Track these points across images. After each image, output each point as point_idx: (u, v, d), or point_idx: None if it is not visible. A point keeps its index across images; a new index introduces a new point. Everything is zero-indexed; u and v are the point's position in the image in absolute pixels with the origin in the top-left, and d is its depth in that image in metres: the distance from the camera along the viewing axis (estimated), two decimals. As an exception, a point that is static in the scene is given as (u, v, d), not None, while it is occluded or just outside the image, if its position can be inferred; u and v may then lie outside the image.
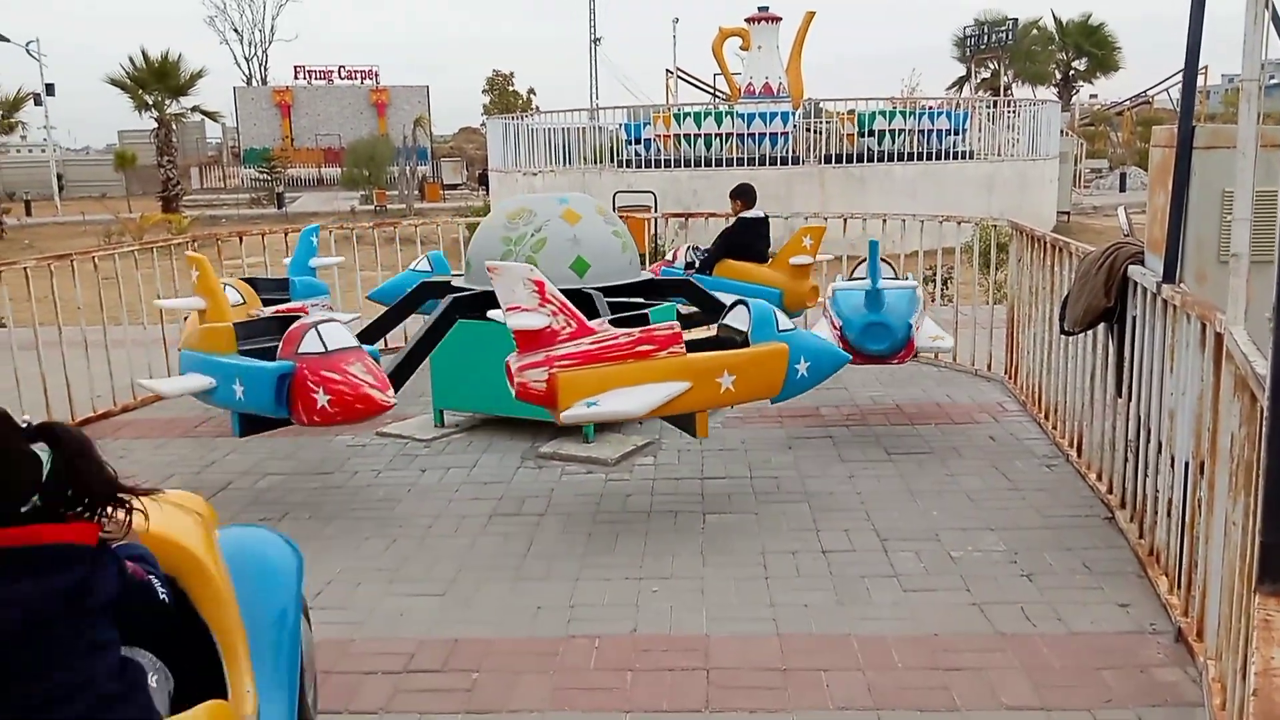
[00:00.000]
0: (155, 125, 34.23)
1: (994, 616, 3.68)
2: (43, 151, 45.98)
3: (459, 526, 4.75)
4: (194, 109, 35.46)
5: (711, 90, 29.92)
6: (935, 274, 8.97)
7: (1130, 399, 4.29)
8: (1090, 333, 4.86)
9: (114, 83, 33.10)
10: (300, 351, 4.79)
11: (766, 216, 8.00)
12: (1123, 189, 31.49)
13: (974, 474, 5.23)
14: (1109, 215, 23.58)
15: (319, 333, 4.84)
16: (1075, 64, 45.46)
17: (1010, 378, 6.95)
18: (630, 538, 4.54)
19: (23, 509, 1.82)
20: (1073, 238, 5.88)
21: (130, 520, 1.94)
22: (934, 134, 19.31)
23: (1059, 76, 45.80)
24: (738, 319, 5.02)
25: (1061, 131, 24.62)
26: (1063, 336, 5.27)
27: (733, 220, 8.07)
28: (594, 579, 4.11)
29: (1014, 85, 42.96)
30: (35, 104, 38.19)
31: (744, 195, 8.03)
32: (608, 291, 6.26)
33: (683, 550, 4.37)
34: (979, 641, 3.51)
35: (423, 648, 3.57)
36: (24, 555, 1.76)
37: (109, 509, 1.91)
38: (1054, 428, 5.75)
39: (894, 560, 4.19)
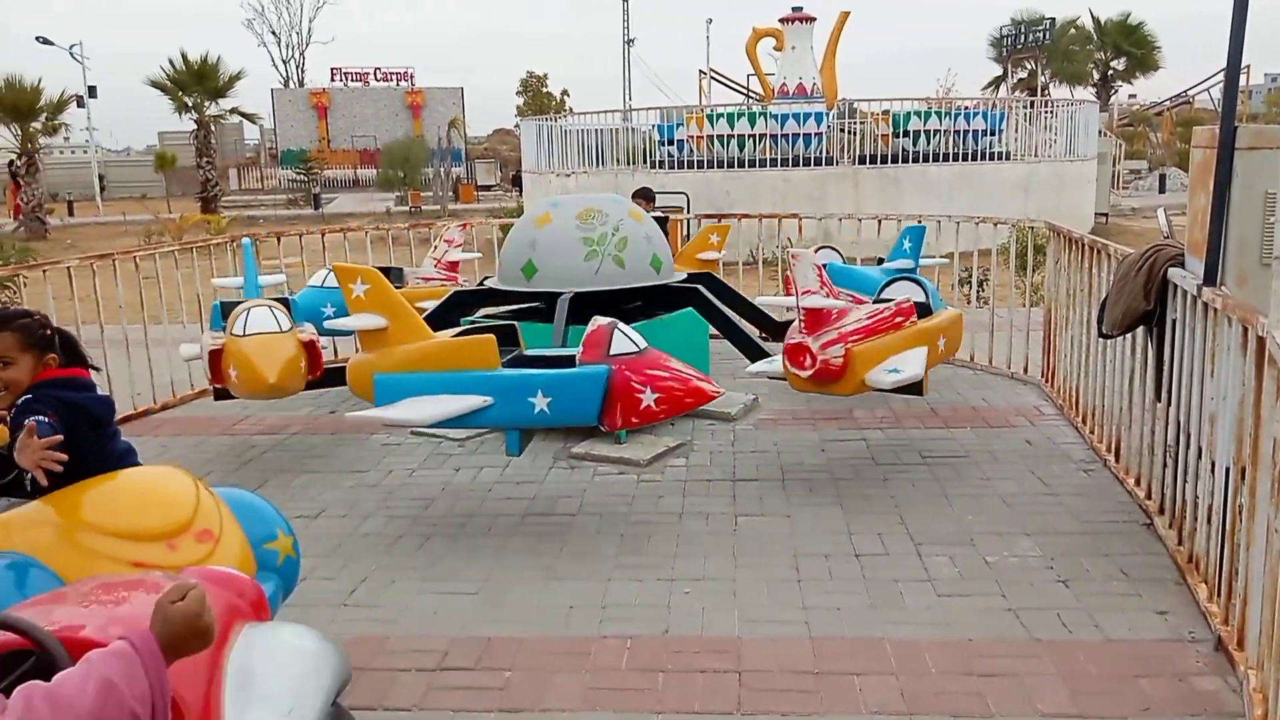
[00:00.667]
0: (195, 127, 34.64)
1: (1029, 622, 3.64)
2: (85, 153, 46.72)
3: (492, 526, 4.78)
4: (232, 111, 35.86)
5: (745, 91, 29.86)
6: (971, 276, 8.89)
7: (1170, 403, 4.23)
8: (1129, 336, 4.80)
9: (155, 85, 33.56)
10: (614, 353, 4.64)
11: (666, 217, 8.59)
12: (1162, 190, 31.04)
13: (1010, 478, 5.18)
14: (1148, 217, 23.25)
15: (624, 332, 4.72)
16: (1114, 64, 44.89)
17: (1047, 381, 6.88)
18: (662, 538, 4.54)
19: None
20: (1111, 239, 5.81)
21: None
22: (970, 134, 19.12)
23: (1097, 76, 45.25)
24: (904, 292, 5.77)
25: (1099, 132, 24.30)
26: (1101, 339, 5.21)
27: None
28: (626, 579, 4.12)
29: (1051, 85, 42.49)
30: (78, 106, 38.80)
31: (648, 196, 8.60)
32: (629, 294, 6.29)
33: (715, 551, 4.37)
34: (1014, 647, 3.48)
35: (455, 646, 3.60)
36: None
37: None
38: (1091, 432, 5.68)
39: (928, 564, 4.16)
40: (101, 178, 42.81)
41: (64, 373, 2.91)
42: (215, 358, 5.65)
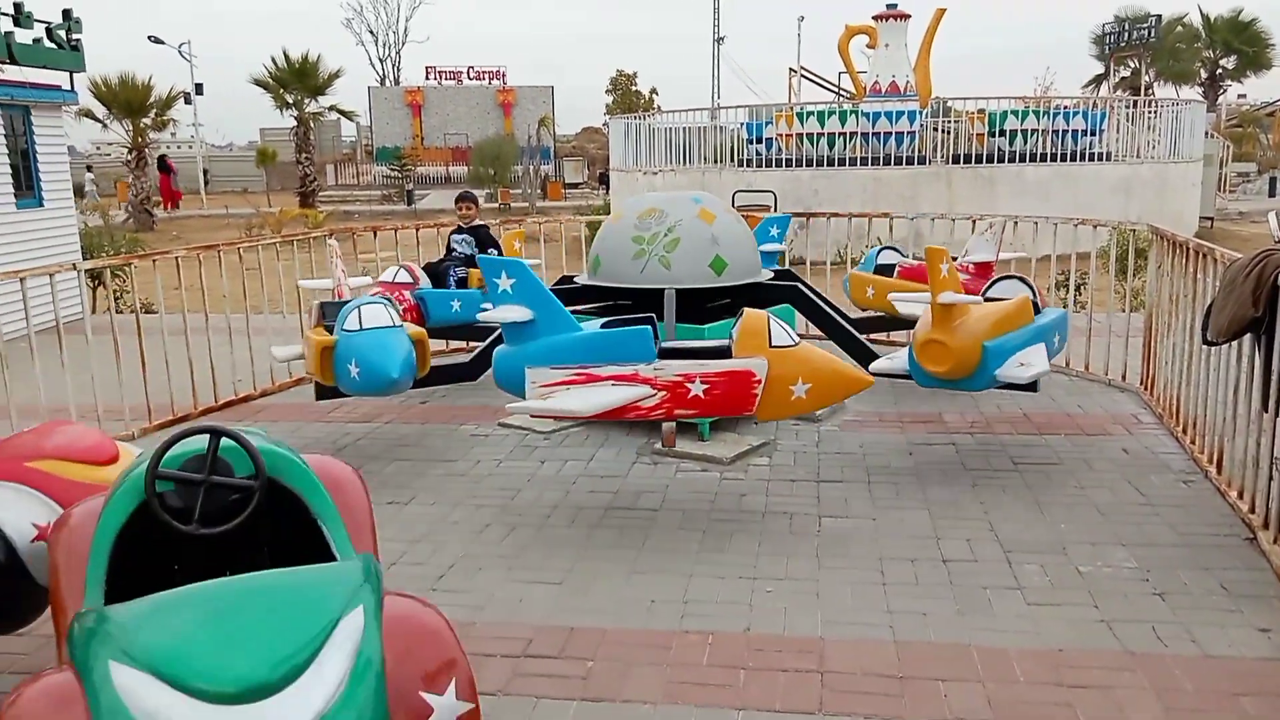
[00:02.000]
0: (294, 123, 35.72)
1: (1123, 634, 3.55)
2: (190, 148, 48.46)
3: (576, 518, 4.84)
4: (331, 108, 36.87)
5: (835, 89, 29.52)
6: (1069, 279, 8.64)
7: (1278, 414, 4.07)
8: (1235, 344, 4.62)
9: (257, 83, 34.70)
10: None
11: None
12: (1272, 194, 29.73)
13: (1105, 487, 5.04)
14: (1256, 221, 22.31)
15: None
16: (1223, 62, 43.08)
17: (1146, 389, 6.67)
18: (744, 537, 4.54)
19: None
20: (1216, 244, 5.60)
21: None
22: (1069, 134, 18.60)
23: (1205, 75, 43.50)
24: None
25: (1206, 133, 23.39)
26: (1205, 347, 5.04)
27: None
28: (708, 576, 4.13)
29: (1156, 84, 41.00)
30: (185, 102, 40.18)
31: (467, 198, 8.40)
32: (722, 291, 6.30)
33: (798, 552, 4.35)
34: (1106, 659, 3.39)
35: (540, 634, 3.66)
36: None
37: None
38: (1192, 442, 5.49)
39: (1018, 572, 4.08)
40: (206, 172, 44.34)
41: None
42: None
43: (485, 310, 5.71)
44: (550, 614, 3.83)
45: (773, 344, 4.65)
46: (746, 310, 4.86)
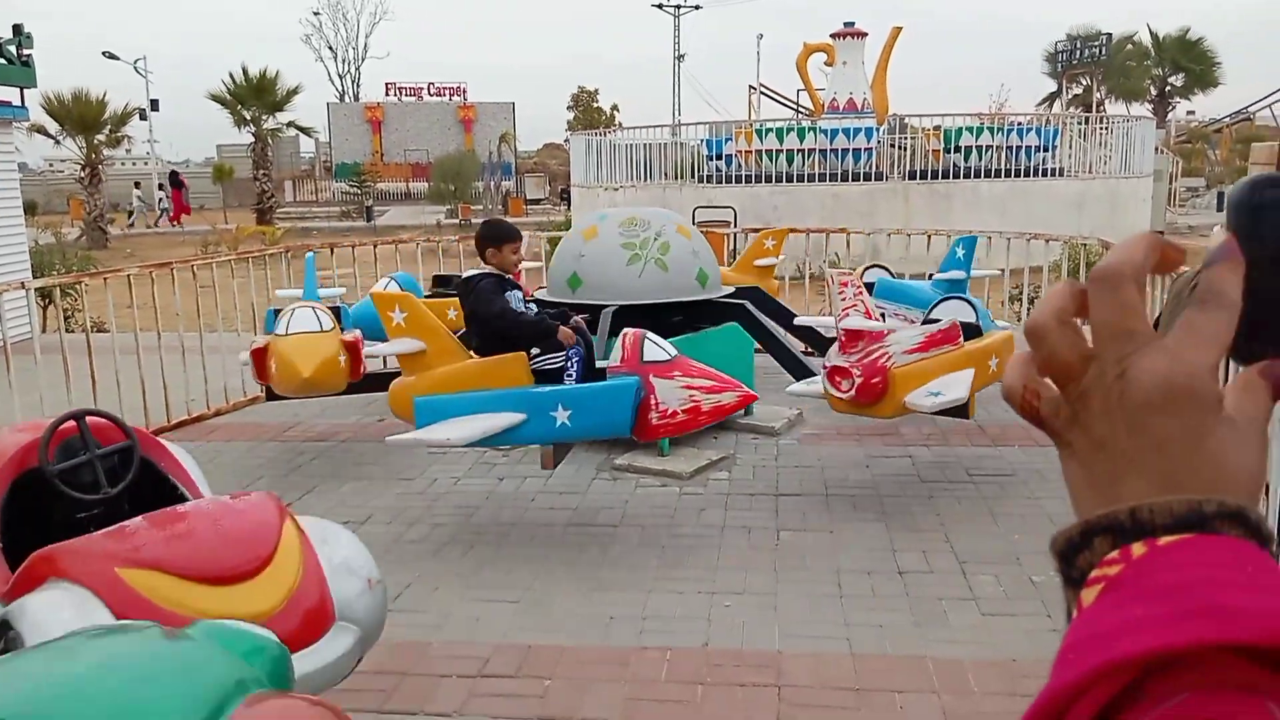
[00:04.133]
0: (252, 140, 35.41)
1: (1076, 644, 3.58)
2: (145, 164, 47.85)
3: (535, 535, 4.82)
4: (289, 124, 36.58)
5: (794, 106, 29.83)
6: (1022, 293, 8.79)
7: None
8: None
9: (215, 99, 34.34)
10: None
11: None
12: (1220, 208, 30.39)
13: (1058, 497, 5.10)
14: (1204, 235, 22.73)
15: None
16: (1172, 80, 44.11)
17: (1098, 400, 6.77)
18: (703, 551, 4.54)
19: None
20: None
21: None
22: (1022, 150, 18.91)
23: (1154, 93, 44.48)
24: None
25: (1156, 149, 23.90)
26: None
27: None
28: (667, 591, 4.13)
29: (1107, 101, 41.86)
30: (140, 119, 39.79)
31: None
32: (673, 308, 6.31)
33: (756, 566, 4.36)
34: (1060, 669, 3.42)
35: (498, 653, 3.63)
36: None
37: None
38: (1143, 452, 5.58)
39: (973, 583, 4.12)
40: (162, 188, 43.80)
41: None
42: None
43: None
44: (508, 632, 3.81)
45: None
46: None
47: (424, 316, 5.11)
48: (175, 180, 37.37)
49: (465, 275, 5.51)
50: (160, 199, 39.00)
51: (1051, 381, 0.52)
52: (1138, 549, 0.45)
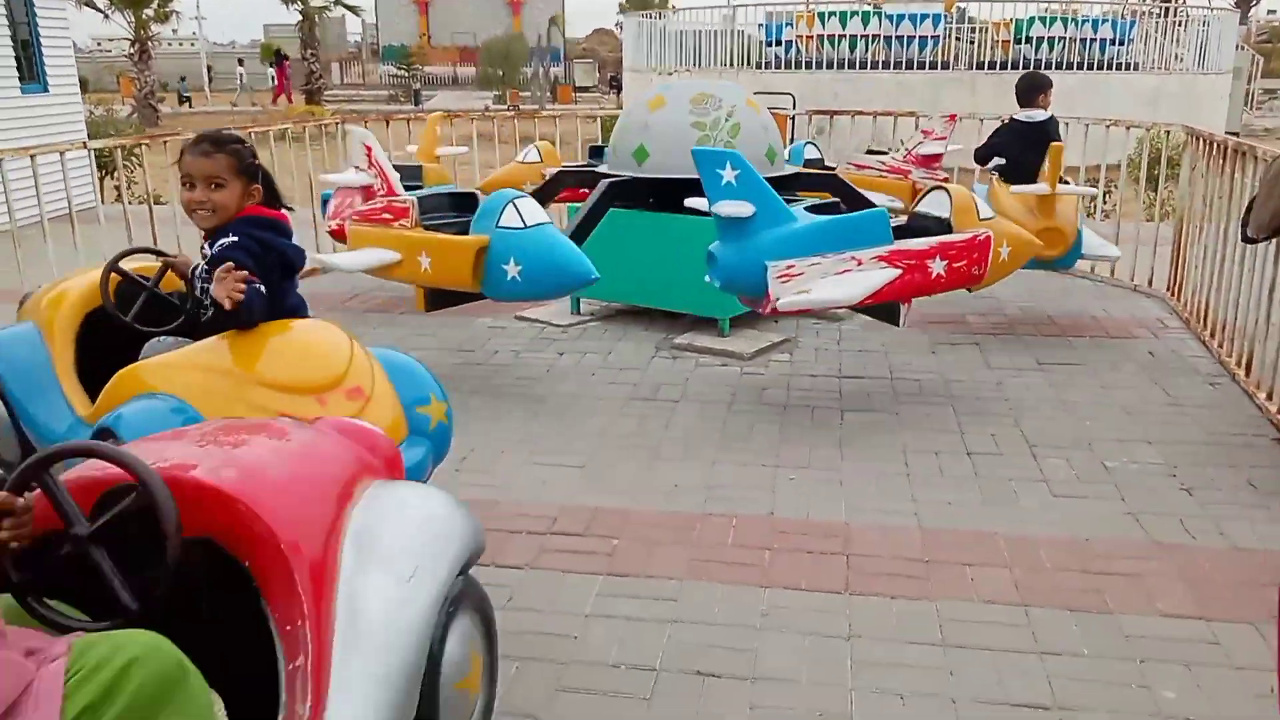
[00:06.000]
0: (300, 18, 34.88)
1: (1150, 526, 3.53)
2: (193, 45, 47.52)
3: (596, 407, 4.81)
4: (337, 3, 35.94)
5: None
6: (1098, 187, 8.47)
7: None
8: (1272, 244, 4.52)
9: (262, -25, 33.79)
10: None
11: (1052, 119, 6.32)
12: (1300, 111, 29.05)
13: (1130, 388, 4.99)
14: (1283, 138, 21.84)
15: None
16: (1257, -26, 41.74)
17: (1173, 294, 6.57)
18: (766, 428, 4.51)
19: None
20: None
21: None
22: (1096, 43, 18.10)
23: (1237, -14, 42.18)
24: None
25: (1236, 45, 22.74)
26: (1238, 249, 4.93)
27: (1006, 120, 6.74)
28: (730, 463, 4.11)
29: (1186, -5, 39.76)
30: (188, -5, 39.41)
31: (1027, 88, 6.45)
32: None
33: (820, 443, 4.32)
34: (1133, 549, 3.37)
35: (565, 513, 3.65)
36: None
37: None
38: (1220, 346, 5.42)
39: (1043, 466, 4.05)
40: (209, 69, 43.55)
41: (268, 212, 2.89)
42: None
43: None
44: (573, 495, 3.82)
45: (981, 217, 4.72)
46: (951, 188, 4.88)
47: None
48: (279, 59, 36.99)
49: None
50: (270, 76, 38.57)
51: None
52: None
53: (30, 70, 11.28)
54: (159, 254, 3.26)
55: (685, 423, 4.58)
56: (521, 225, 4.71)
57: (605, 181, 5.89)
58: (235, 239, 2.75)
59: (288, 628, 1.59)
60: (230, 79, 45.01)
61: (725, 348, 5.62)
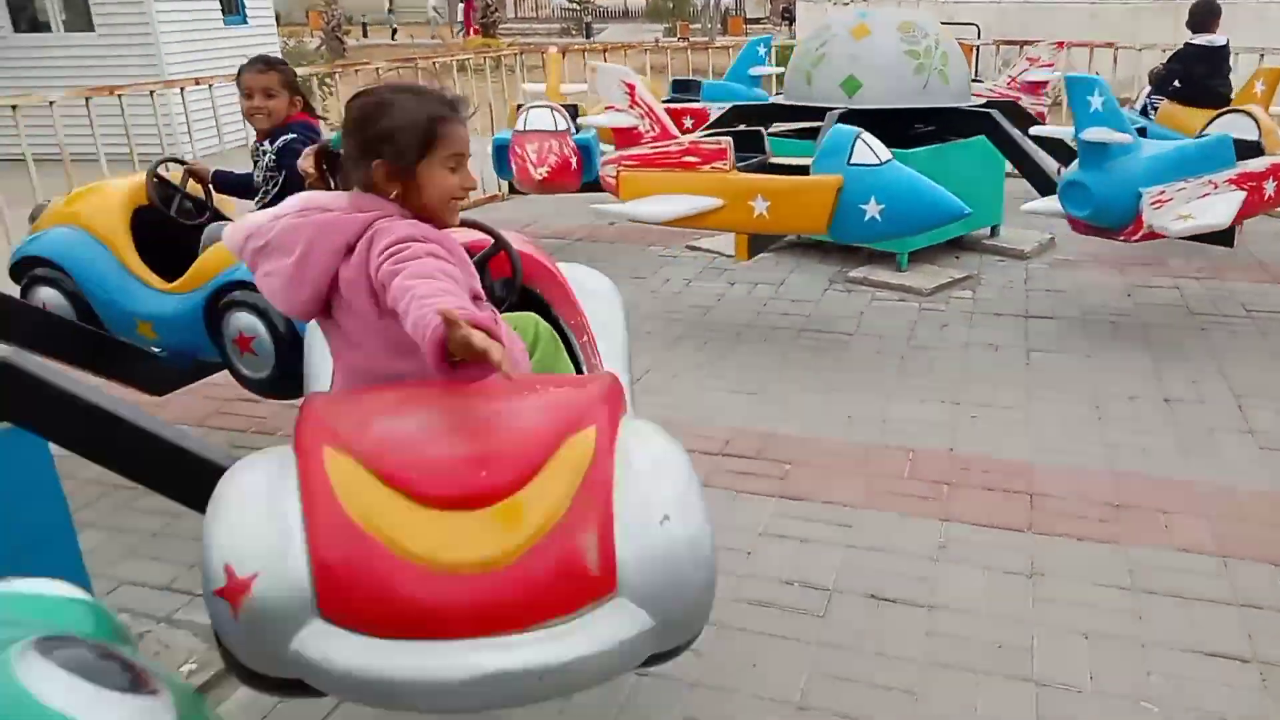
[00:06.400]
0: (476, -49, 35.36)
1: (1373, 486, 3.26)
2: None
3: (768, 337, 4.78)
4: (513, -63, 36.24)
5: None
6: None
7: None
8: None
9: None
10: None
11: (1228, 44, 6.48)
12: None
13: (1353, 340, 4.60)
14: None
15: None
16: None
17: (1407, 243, 5.97)
18: (946, 364, 4.38)
19: None
20: None
21: None
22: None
23: None
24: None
25: None
26: None
27: (1182, 46, 6.69)
28: (907, 399, 4.03)
29: None
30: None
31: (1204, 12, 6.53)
32: (915, 115, 5.82)
33: (1004, 382, 4.17)
34: (1353, 508, 3.13)
35: (738, 435, 3.67)
36: None
37: None
38: None
39: (1249, 416, 3.79)
40: (391, 2, 44.79)
41: (309, 118, 3.43)
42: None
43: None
44: (747, 419, 3.84)
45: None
46: (1252, 109, 4.81)
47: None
48: None
49: None
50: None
51: None
52: None
53: (231, 3, 11.91)
54: (182, 163, 3.72)
55: (860, 356, 4.51)
56: (877, 161, 4.29)
57: (833, 114, 5.42)
58: (295, 135, 3.29)
59: (572, 322, 2.54)
60: (409, 14, 46.25)
61: (903, 282, 5.47)
